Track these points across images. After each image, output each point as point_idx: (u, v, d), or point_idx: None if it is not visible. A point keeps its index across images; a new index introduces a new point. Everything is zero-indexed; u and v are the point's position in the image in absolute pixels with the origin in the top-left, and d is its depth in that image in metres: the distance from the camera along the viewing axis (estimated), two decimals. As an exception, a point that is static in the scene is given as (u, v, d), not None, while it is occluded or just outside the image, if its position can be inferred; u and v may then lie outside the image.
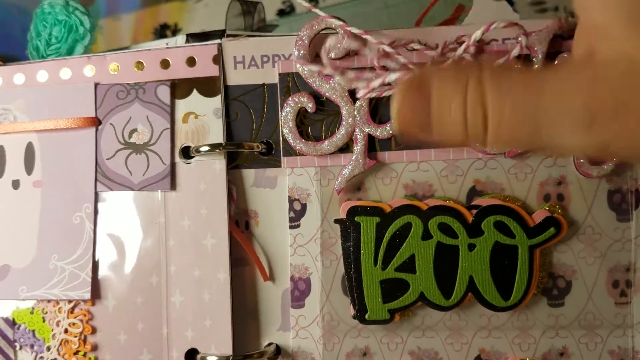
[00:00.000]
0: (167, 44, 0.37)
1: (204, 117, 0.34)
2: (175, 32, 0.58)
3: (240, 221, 0.34)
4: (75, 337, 0.34)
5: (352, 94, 0.33)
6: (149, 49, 0.34)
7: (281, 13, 0.57)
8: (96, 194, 0.33)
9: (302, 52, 0.33)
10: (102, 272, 0.34)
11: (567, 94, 0.21)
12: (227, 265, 0.33)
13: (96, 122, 0.33)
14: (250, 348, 0.34)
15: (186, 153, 0.34)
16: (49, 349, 0.34)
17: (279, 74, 0.33)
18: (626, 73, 0.20)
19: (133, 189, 0.33)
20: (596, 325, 0.33)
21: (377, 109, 0.33)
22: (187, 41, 0.36)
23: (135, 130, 0.33)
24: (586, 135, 0.20)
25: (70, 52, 0.38)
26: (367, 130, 0.33)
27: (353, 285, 0.33)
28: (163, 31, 0.59)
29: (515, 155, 0.32)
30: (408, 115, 0.22)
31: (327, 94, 0.33)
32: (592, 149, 0.21)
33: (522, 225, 0.32)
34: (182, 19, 0.59)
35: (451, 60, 0.30)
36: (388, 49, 0.32)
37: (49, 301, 0.34)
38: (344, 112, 0.33)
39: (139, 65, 0.34)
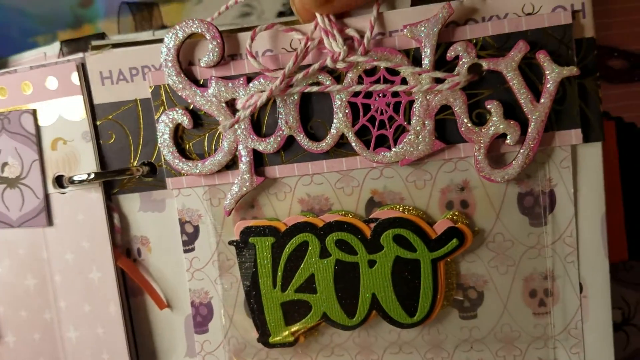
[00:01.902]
0: (45, 53, 0.34)
1: (72, 143, 0.31)
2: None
3: (132, 249, 0.33)
4: (-18, 374, 0.33)
5: (232, 105, 0.30)
6: (15, 69, 0.31)
7: (281, 15, 0.54)
8: (-20, 232, 0.32)
9: (169, 62, 0.29)
10: (-2, 309, 0.33)
11: None
12: (117, 298, 0.31)
13: (-31, 157, 0.32)
14: (158, 375, 0.33)
15: (61, 182, 0.32)
16: (-42, 386, 0.34)
17: (151, 87, 0.30)
18: None
19: (13, 226, 0.31)
20: (514, 338, 0.30)
21: (261, 120, 0.30)
22: (61, 49, 0.33)
23: (6, 163, 0.31)
24: None
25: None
26: (251, 145, 0.30)
27: (254, 308, 0.31)
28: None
29: (410, 162, 0.29)
30: None
31: (203, 108, 0.30)
32: None
33: (422, 237, 0.29)
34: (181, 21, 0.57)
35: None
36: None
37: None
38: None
39: (2, 91, 0.31)
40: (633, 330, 0.36)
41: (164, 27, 0.45)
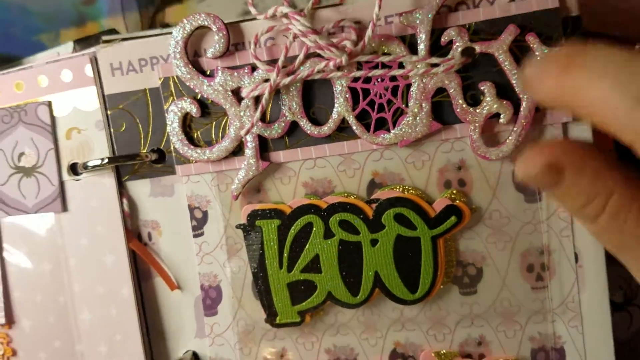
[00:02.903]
0: (58, 53, 0.36)
1: (86, 132, 0.33)
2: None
3: (143, 233, 0.34)
4: (-1, 359, 0.35)
5: (237, 93, 0.32)
6: (31, 66, 0.33)
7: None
8: (-3, 220, 0.34)
9: (177, 54, 0.31)
10: (14, 295, 0.34)
11: None
12: (130, 280, 0.32)
13: (-12, 148, 0.33)
14: (168, 356, 0.34)
15: (75, 170, 0.33)
16: (-24, 372, 0.35)
17: (160, 79, 0.32)
18: None
19: (29, 213, 0.33)
20: (513, 312, 0.31)
21: (265, 107, 0.32)
22: (74, 48, 0.35)
23: (23, 153, 0.33)
24: None
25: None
26: (256, 131, 0.31)
27: (261, 289, 0.32)
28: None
29: (409, 143, 0.30)
30: (536, 181, 0.22)
31: (210, 97, 0.32)
32: None
33: (422, 216, 0.30)
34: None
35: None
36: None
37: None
38: (230, 114, 0.31)
39: (19, 85, 0.33)
40: (636, 310, 0.37)
41: (167, 25, 0.46)
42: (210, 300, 0.34)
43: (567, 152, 0.22)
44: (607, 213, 0.22)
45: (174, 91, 0.32)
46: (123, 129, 0.33)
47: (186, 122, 0.32)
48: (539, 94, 0.22)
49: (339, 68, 0.30)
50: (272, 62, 0.31)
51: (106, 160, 0.31)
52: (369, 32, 0.29)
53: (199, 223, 0.33)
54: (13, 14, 0.48)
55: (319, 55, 0.30)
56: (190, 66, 0.31)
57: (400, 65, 0.30)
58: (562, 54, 0.21)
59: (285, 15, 0.30)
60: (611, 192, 0.22)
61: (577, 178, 0.22)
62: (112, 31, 0.35)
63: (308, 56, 0.30)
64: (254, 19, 0.31)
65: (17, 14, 0.48)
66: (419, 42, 0.29)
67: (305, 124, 0.31)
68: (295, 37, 0.30)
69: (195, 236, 0.33)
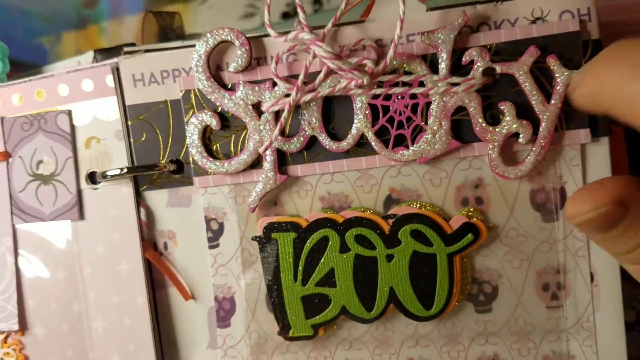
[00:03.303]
0: (79, 63, 0.36)
1: (105, 141, 0.33)
2: (178, 35, 0.57)
3: (159, 243, 0.34)
4: (11, 366, 0.34)
5: (258, 107, 0.32)
6: (52, 75, 0.33)
7: (285, 16, 0.55)
8: (13, 227, 0.34)
9: (200, 67, 0.31)
10: (28, 302, 0.34)
11: None
12: (144, 289, 0.32)
13: (7, 156, 0.33)
14: (180, 367, 0.34)
15: (93, 178, 0.33)
16: (-13, 378, 0.35)
17: (182, 92, 0.32)
18: None
19: (45, 220, 0.33)
20: (528, 331, 0.32)
21: (284, 125, 0.32)
22: (95, 58, 0.35)
23: (41, 161, 0.33)
24: None
25: (-14, 81, 0.37)
26: (275, 145, 0.32)
27: (275, 302, 0.33)
28: (167, 34, 0.58)
29: (427, 160, 0.31)
30: (602, 221, 0.22)
31: (230, 110, 0.32)
32: None
33: (438, 232, 0.31)
34: (186, 21, 0.58)
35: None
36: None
37: (-16, 333, 0.34)
38: (249, 127, 0.32)
39: (39, 94, 0.33)
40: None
41: (172, 29, 0.46)
42: (224, 312, 0.34)
43: (630, 185, 0.21)
44: None
45: (194, 104, 0.32)
46: (143, 139, 0.33)
47: (206, 135, 0.32)
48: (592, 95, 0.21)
49: (360, 86, 0.30)
50: (293, 77, 0.31)
51: (125, 170, 0.32)
52: (390, 52, 0.29)
53: (214, 234, 0.33)
54: (14, 16, 0.48)
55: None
56: (212, 80, 0.32)
57: (421, 84, 0.30)
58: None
59: (306, 42, 0.30)
60: None
61: (637, 216, 0.21)
62: (133, 44, 0.35)
63: (329, 72, 0.31)
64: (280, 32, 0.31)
65: (18, 17, 0.48)
66: (440, 61, 0.30)
67: (324, 139, 0.31)
68: (315, 56, 0.30)
69: (210, 247, 0.33)
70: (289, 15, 0.56)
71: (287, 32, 0.31)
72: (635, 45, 0.21)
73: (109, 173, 0.32)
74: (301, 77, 0.30)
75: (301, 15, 0.30)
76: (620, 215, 0.21)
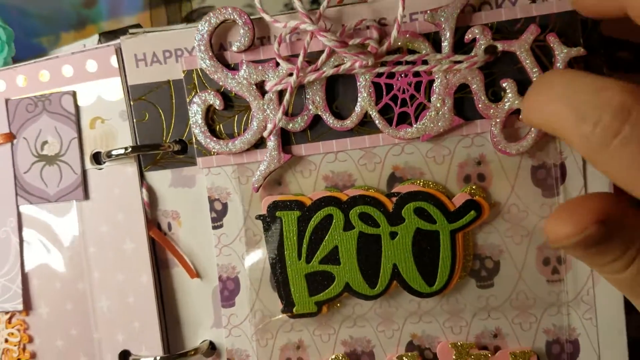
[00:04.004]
0: (84, 45, 0.36)
1: (110, 121, 0.33)
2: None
3: (162, 223, 0.34)
4: (15, 345, 0.34)
5: (261, 87, 0.32)
6: (56, 56, 0.33)
7: (288, 5, 0.55)
8: (18, 208, 0.34)
9: (202, 47, 0.31)
10: (32, 282, 0.34)
11: None
12: (149, 268, 0.33)
13: (12, 137, 0.33)
14: (185, 346, 0.34)
15: (98, 159, 0.33)
16: (-8, 359, 0.35)
17: (184, 71, 0.32)
18: None
19: (50, 201, 0.33)
20: (529, 305, 0.32)
21: (287, 107, 0.32)
22: (100, 40, 0.35)
23: (46, 142, 0.33)
24: None
25: (-10, 65, 0.37)
26: (279, 124, 0.32)
27: (279, 280, 0.33)
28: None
29: (431, 137, 0.31)
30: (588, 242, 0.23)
31: (234, 89, 0.32)
32: None
33: (442, 210, 0.31)
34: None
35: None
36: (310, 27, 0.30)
37: (-13, 314, 0.34)
38: (253, 107, 0.32)
39: (43, 75, 0.33)
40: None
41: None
42: (228, 291, 0.34)
43: (609, 201, 0.22)
44: (636, 266, 0.22)
45: (197, 84, 0.32)
46: (146, 119, 0.33)
47: (209, 115, 0.33)
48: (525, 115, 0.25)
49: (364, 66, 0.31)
50: (296, 56, 0.31)
51: (130, 149, 0.32)
52: (394, 32, 0.30)
53: (218, 215, 0.33)
54: (12, 16, 0.48)
55: (344, 50, 0.31)
56: (214, 59, 0.32)
57: (424, 62, 0.30)
58: (540, 80, 0.24)
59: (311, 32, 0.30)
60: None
61: (618, 232, 0.22)
62: (138, 26, 0.35)
63: (331, 52, 0.31)
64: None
65: (17, 17, 0.48)
66: (443, 39, 0.30)
67: (328, 118, 0.32)
68: (312, 37, 0.30)
69: (214, 228, 0.33)
70: (290, 5, 0.56)
71: (290, 11, 0.31)
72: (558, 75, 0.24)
73: (114, 152, 0.32)
74: (300, 59, 0.30)
75: (298, 5, 0.30)
76: (603, 236, 0.22)
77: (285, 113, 0.32)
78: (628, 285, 0.23)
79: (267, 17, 0.31)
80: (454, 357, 0.32)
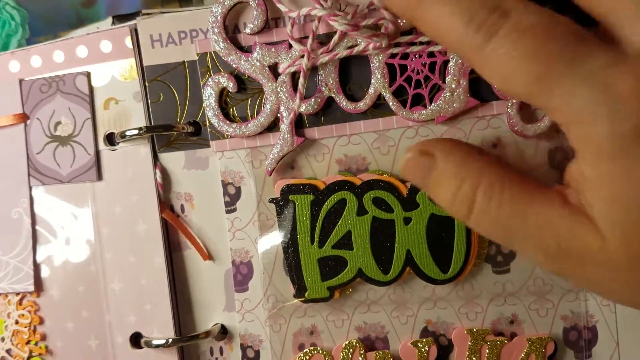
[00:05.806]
0: (97, 28, 0.36)
1: (124, 102, 0.33)
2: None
3: (176, 205, 0.34)
4: (26, 327, 0.34)
5: (274, 69, 0.32)
6: (72, 37, 0.33)
7: None
8: (30, 189, 0.34)
9: (216, 29, 0.31)
10: (44, 263, 0.34)
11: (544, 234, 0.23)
12: (161, 250, 0.33)
13: (25, 118, 0.33)
14: (197, 328, 0.34)
15: (111, 140, 0.33)
16: (3, 339, 0.35)
17: (197, 54, 0.32)
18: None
19: (63, 182, 0.33)
20: (546, 291, 0.32)
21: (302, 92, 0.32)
22: (113, 23, 0.35)
23: (59, 122, 0.33)
24: (551, 266, 0.23)
25: (5, 47, 0.38)
26: (292, 106, 0.32)
27: (292, 264, 0.33)
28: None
29: (445, 119, 0.31)
30: (410, 171, 0.26)
31: (247, 72, 0.32)
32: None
33: (457, 193, 0.31)
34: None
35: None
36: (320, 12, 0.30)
37: (-1, 295, 0.35)
38: (266, 89, 0.32)
39: (58, 56, 0.33)
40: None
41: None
42: (241, 276, 0.34)
43: (437, 141, 0.26)
44: (480, 199, 0.23)
45: (210, 66, 0.32)
46: (160, 100, 0.33)
47: (222, 98, 0.33)
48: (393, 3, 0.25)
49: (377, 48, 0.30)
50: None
51: (144, 130, 0.32)
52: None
53: (231, 199, 0.33)
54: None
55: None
56: (228, 42, 0.32)
57: (440, 42, 0.30)
58: None
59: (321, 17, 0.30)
60: (480, 175, 0.23)
61: (446, 162, 0.24)
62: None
63: (344, 34, 0.31)
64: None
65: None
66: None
67: (341, 100, 0.31)
68: (320, 20, 0.30)
69: (228, 212, 0.33)
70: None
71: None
72: None
73: (128, 133, 0.32)
74: (310, 42, 0.30)
75: None
76: (426, 166, 0.25)
77: (299, 96, 0.32)
78: (482, 225, 0.24)
79: (283, 8, 0.31)
80: (469, 343, 0.32)
